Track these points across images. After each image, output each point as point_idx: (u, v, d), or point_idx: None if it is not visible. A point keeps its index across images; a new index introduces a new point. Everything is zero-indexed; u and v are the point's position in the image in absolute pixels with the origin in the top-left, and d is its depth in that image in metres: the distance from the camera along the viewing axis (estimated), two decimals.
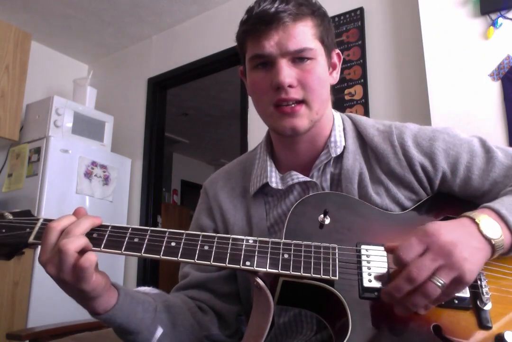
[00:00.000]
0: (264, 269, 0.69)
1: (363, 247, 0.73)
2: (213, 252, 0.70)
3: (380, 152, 0.85)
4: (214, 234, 0.73)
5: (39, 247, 0.69)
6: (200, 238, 0.71)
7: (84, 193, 3.00)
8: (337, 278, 0.68)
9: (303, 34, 0.80)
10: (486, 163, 0.82)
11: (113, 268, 3.09)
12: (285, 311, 0.87)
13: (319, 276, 0.68)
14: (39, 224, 0.72)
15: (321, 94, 0.83)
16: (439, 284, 0.61)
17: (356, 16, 2.51)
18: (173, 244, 0.70)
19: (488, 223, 0.67)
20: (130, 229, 0.72)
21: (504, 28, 1.80)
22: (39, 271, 2.58)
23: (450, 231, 0.65)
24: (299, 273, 0.68)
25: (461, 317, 0.69)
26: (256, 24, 0.79)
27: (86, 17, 3.36)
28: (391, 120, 0.93)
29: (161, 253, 0.69)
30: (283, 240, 0.72)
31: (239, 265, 0.69)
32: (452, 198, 0.85)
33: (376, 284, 0.69)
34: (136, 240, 0.70)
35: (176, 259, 0.69)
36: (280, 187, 0.88)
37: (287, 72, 0.79)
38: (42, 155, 2.87)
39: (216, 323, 0.89)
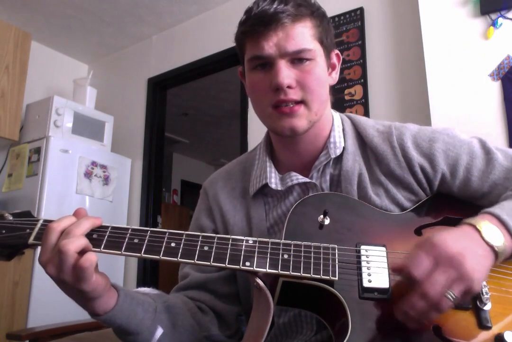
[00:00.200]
0: (264, 270, 0.69)
1: (362, 247, 0.73)
2: (213, 253, 0.70)
3: (380, 153, 0.85)
4: (213, 235, 0.73)
5: (39, 247, 0.69)
6: (200, 239, 0.71)
7: (84, 193, 3.00)
8: (336, 278, 0.69)
9: (302, 35, 0.80)
10: (486, 165, 0.82)
11: (113, 269, 3.09)
12: (285, 311, 0.87)
13: (318, 276, 0.68)
14: (39, 225, 0.72)
15: (320, 95, 0.83)
16: (452, 298, 0.61)
17: (356, 16, 2.51)
18: (173, 244, 0.70)
19: (489, 230, 0.67)
20: (130, 229, 0.72)
21: (504, 28, 1.80)
22: (39, 271, 2.58)
23: (455, 241, 0.65)
24: (299, 274, 0.68)
25: (461, 317, 0.69)
26: (255, 25, 0.79)
27: (86, 17, 3.36)
28: (391, 121, 0.93)
29: (161, 253, 0.69)
30: (282, 240, 0.72)
31: (239, 265, 0.69)
32: (452, 198, 0.85)
33: (376, 284, 0.69)
34: (136, 240, 0.70)
35: (176, 259, 0.69)
36: (279, 187, 0.88)
37: (286, 73, 0.78)
38: (42, 155, 2.87)
39: (216, 323, 0.89)
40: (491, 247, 0.66)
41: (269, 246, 0.71)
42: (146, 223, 3.31)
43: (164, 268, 3.55)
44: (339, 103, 2.41)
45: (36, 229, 0.72)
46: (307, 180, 0.86)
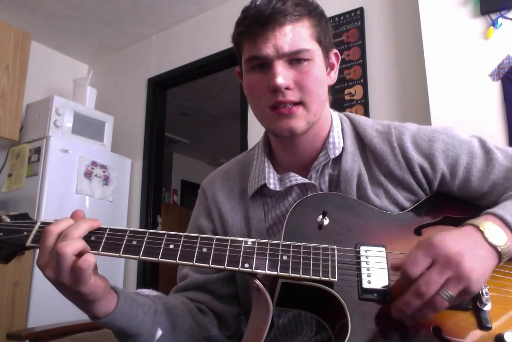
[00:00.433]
0: (263, 271, 0.68)
1: (362, 248, 0.73)
2: (212, 254, 0.69)
3: (379, 153, 0.85)
4: (212, 236, 0.72)
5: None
6: (199, 240, 0.71)
7: (84, 193, 3.00)
8: (336, 279, 0.68)
9: (300, 35, 0.79)
10: (486, 165, 0.82)
11: (113, 271, 3.09)
12: (285, 312, 0.86)
13: (318, 277, 0.68)
14: (36, 227, 0.72)
15: (319, 96, 0.82)
16: (447, 297, 0.61)
17: (356, 16, 2.51)
18: (171, 246, 0.70)
19: (493, 230, 0.67)
20: (128, 231, 0.71)
21: (504, 28, 1.80)
22: (39, 271, 2.56)
23: (455, 241, 0.64)
24: (298, 275, 0.68)
25: (461, 317, 0.69)
26: (252, 26, 0.78)
27: (86, 17, 3.35)
28: (391, 120, 0.92)
29: (160, 255, 0.69)
30: (281, 241, 0.72)
31: (238, 267, 0.69)
32: (451, 198, 0.85)
33: (376, 285, 0.69)
34: (134, 242, 0.70)
35: (175, 261, 0.69)
36: (278, 188, 0.88)
37: (284, 75, 0.77)
38: (42, 155, 2.87)
39: (216, 324, 0.89)
40: (494, 248, 0.65)
41: (268, 247, 0.71)
42: (146, 223, 3.31)
43: (164, 270, 3.56)
44: (339, 103, 2.41)
45: (34, 231, 0.71)
46: (306, 180, 0.86)
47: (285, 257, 0.69)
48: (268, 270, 0.68)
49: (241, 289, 0.91)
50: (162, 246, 0.70)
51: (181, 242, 0.71)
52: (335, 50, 0.89)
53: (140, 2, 3.18)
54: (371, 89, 2.39)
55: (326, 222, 0.76)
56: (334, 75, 0.89)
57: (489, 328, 0.68)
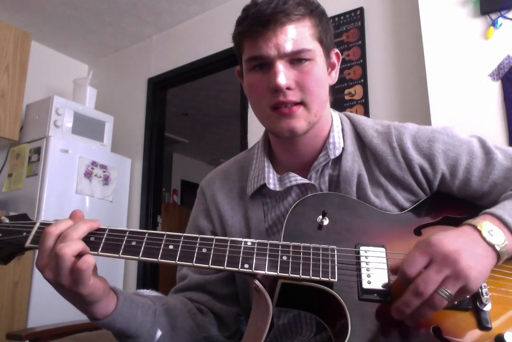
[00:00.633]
0: (263, 272, 0.68)
1: (362, 248, 0.73)
2: (211, 255, 0.69)
3: (379, 154, 0.85)
4: (212, 236, 0.72)
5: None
6: (198, 241, 0.71)
7: (84, 193, 3.00)
8: (336, 280, 0.68)
9: (301, 35, 0.78)
10: (486, 165, 0.82)
11: (113, 271, 3.09)
12: (284, 312, 0.86)
13: (318, 278, 0.68)
14: (35, 228, 0.72)
15: (320, 96, 0.82)
16: (446, 296, 0.61)
17: (356, 16, 2.51)
18: (171, 246, 0.70)
19: (490, 229, 0.67)
20: (128, 232, 0.71)
21: (504, 28, 1.80)
22: (39, 271, 2.57)
23: (453, 240, 0.64)
24: (298, 275, 0.68)
25: (461, 318, 0.68)
26: (253, 25, 0.77)
27: (86, 17, 3.35)
28: (391, 120, 0.92)
29: (159, 256, 0.69)
30: (281, 241, 0.72)
31: (238, 267, 0.69)
32: (451, 198, 0.85)
33: (376, 286, 0.69)
34: (133, 243, 0.70)
35: (174, 262, 0.69)
36: (277, 188, 0.87)
37: (285, 75, 0.77)
38: (42, 155, 2.87)
39: (215, 324, 0.89)
40: (492, 247, 0.65)
41: (268, 247, 0.70)
42: (146, 223, 3.31)
43: (164, 270, 3.55)
44: (339, 103, 2.41)
45: (33, 232, 0.71)
46: (305, 181, 0.86)
47: (284, 258, 0.69)
48: (267, 271, 0.68)
49: (240, 289, 0.91)
50: (162, 247, 0.70)
51: (181, 242, 0.70)
52: (336, 50, 0.89)
53: (140, 2, 3.18)
54: (371, 89, 2.39)
55: (326, 222, 0.76)
56: (335, 75, 0.89)
57: (489, 328, 0.68)
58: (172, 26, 3.51)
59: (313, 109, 0.81)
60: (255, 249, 0.70)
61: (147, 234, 0.71)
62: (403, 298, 0.63)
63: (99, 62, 4.01)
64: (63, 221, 0.69)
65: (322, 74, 0.82)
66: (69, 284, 0.64)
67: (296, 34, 0.78)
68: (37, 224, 0.72)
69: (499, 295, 0.71)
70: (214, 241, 0.71)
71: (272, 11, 0.76)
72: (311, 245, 0.71)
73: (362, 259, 0.72)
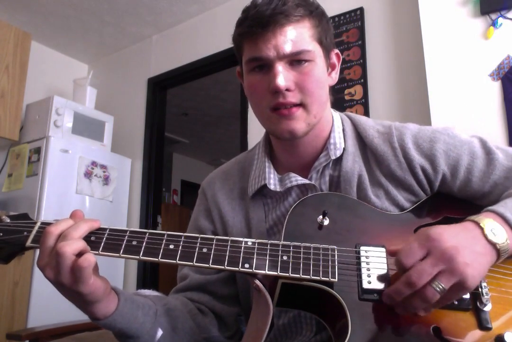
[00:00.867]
0: (263, 271, 0.68)
1: (362, 248, 0.73)
2: (212, 254, 0.69)
3: (380, 154, 0.85)
4: (212, 236, 0.72)
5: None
6: (199, 240, 0.71)
7: (84, 193, 3.00)
8: (336, 280, 0.68)
9: (301, 36, 0.78)
10: (487, 165, 0.82)
11: (113, 271, 3.09)
12: (285, 312, 0.86)
13: (318, 278, 0.68)
14: (36, 227, 0.72)
15: (320, 97, 0.82)
16: (438, 289, 0.61)
17: (356, 16, 2.51)
18: (171, 246, 0.70)
19: (493, 227, 0.66)
20: (128, 231, 0.71)
21: (504, 28, 1.80)
22: (39, 271, 2.56)
23: (453, 236, 0.64)
24: (298, 275, 0.68)
25: (461, 318, 0.68)
26: (253, 27, 0.77)
27: (86, 17, 3.35)
28: (391, 120, 0.92)
29: (160, 256, 0.69)
30: (282, 241, 0.72)
31: (238, 267, 0.69)
32: (451, 198, 0.85)
33: (376, 286, 0.69)
34: (134, 242, 0.70)
35: (175, 261, 0.69)
36: (278, 189, 0.87)
37: (284, 76, 0.77)
38: (42, 155, 2.87)
39: (216, 324, 0.89)
40: (493, 245, 0.65)
41: (268, 247, 0.70)
42: (146, 223, 3.31)
43: (164, 270, 3.55)
44: (339, 103, 2.41)
45: (34, 232, 0.71)
46: (306, 181, 0.86)
47: (285, 257, 0.69)
48: (268, 270, 0.68)
49: (241, 289, 0.91)
50: (162, 246, 0.70)
51: (181, 242, 0.70)
52: (336, 50, 0.89)
53: (140, 2, 3.18)
54: (371, 89, 2.39)
55: (326, 222, 0.76)
56: (335, 76, 0.88)
57: (489, 329, 0.68)
58: (172, 26, 3.51)
59: (312, 110, 0.81)
60: (256, 249, 0.70)
61: (147, 234, 0.71)
62: (395, 286, 0.64)
63: (99, 62, 4.01)
64: (63, 220, 0.69)
65: (322, 75, 0.82)
66: (70, 283, 0.64)
67: (295, 35, 0.77)
68: (38, 224, 0.72)
69: (499, 295, 0.71)
70: (214, 240, 0.71)
71: (272, 13, 0.76)
72: (312, 245, 0.71)
73: (363, 259, 0.72)
